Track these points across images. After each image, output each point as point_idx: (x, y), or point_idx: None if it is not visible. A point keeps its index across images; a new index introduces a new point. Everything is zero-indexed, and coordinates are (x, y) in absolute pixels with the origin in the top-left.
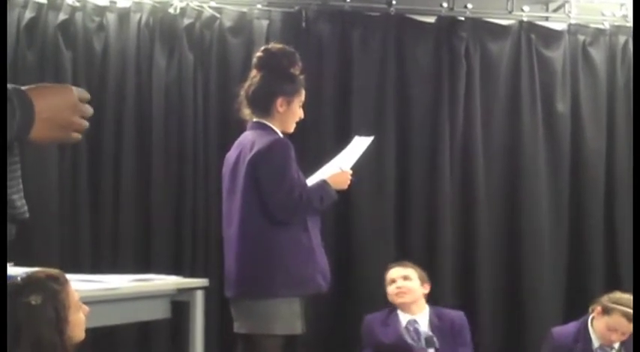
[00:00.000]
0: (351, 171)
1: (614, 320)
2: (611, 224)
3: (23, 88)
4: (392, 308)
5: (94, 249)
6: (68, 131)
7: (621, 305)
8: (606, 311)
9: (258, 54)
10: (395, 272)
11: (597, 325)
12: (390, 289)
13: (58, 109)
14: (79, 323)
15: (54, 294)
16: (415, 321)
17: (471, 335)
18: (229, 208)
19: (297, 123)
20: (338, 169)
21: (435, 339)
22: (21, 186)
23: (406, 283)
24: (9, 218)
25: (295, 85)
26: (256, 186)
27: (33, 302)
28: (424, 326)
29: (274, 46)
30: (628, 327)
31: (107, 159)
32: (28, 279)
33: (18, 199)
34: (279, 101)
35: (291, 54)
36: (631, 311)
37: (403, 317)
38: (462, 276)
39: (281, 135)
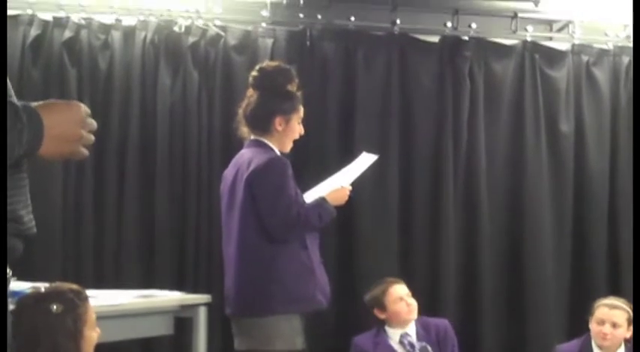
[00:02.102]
0: (350, 188)
1: (598, 313)
2: (614, 242)
3: (32, 104)
4: (379, 326)
5: (97, 264)
6: (77, 146)
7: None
8: (592, 312)
9: (253, 73)
10: (401, 290)
11: (592, 330)
12: (401, 307)
13: (67, 125)
14: (91, 341)
15: (74, 307)
16: (407, 334)
17: (458, 343)
18: (228, 226)
19: (300, 141)
20: (339, 186)
21: (429, 348)
22: (29, 202)
23: (413, 300)
24: (16, 233)
25: (293, 103)
26: (254, 204)
27: (54, 310)
28: (414, 338)
29: (269, 64)
30: (611, 314)
31: (111, 176)
32: (52, 289)
33: (25, 214)
34: (278, 120)
35: (287, 71)
36: (611, 301)
37: (393, 333)
38: (465, 290)
39: (278, 153)
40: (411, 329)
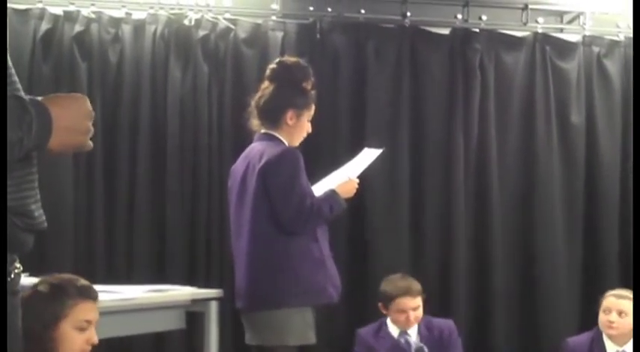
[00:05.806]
0: (357, 180)
1: (605, 302)
2: (626, 235)
3: (39, 98)
4: (382, 319)
5: (108, 259)
6: (85, 138)
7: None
8: (601, 304)
9: (272, 66)
10: (408, 303)
11: (600, 320)
12: (401, 318)
13: (75, 117)
14: (70, 340)
15: (61, 296)
16: (406, 332)
17: (469, 339)
18: (238, 220)
19: (311, 134)
20: (346, 178)
21: (425, 349)
22: (38, 197)
23: (418, 312)
24: (27, 228)
25: (306, 99)
26: (267, 196)
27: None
28: (414, 337)
29: (288, 59)
30: (617, 303)
31: (122, 170)
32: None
33: (36, 209)
34: (290, 114)
35: (305, 68)
36: (619, 291)
37: (393, 329)
38: (476, 287)
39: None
40: (412, 330)
